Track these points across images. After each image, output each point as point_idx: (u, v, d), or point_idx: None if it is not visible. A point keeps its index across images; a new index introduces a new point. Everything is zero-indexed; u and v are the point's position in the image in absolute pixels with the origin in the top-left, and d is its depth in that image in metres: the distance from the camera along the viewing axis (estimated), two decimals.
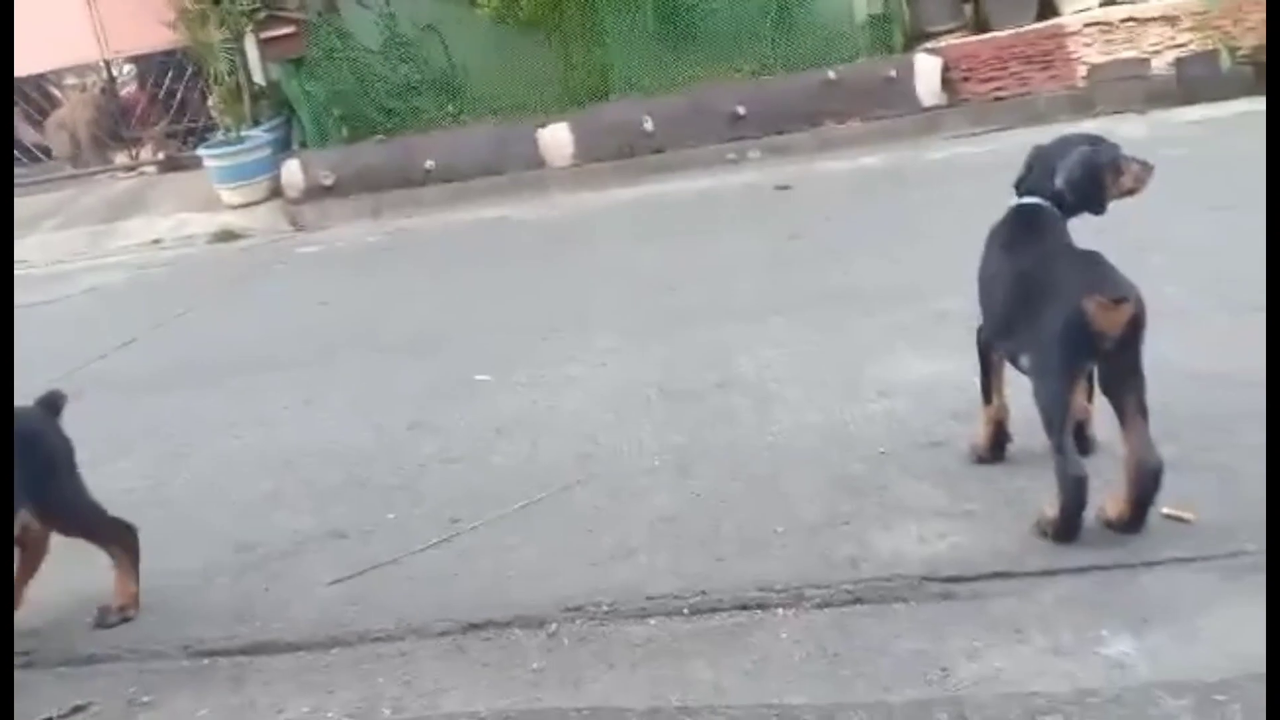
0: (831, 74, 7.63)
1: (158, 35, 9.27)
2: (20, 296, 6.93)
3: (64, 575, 2.52)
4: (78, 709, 2.14)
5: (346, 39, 8.40)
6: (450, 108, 8.55)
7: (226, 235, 8.03)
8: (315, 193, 8.45)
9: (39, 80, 10.55)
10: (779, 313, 3.97)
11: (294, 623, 2.31)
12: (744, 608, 2.11)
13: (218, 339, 5.10)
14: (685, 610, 2.14)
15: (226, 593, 2.50)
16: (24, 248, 8.52)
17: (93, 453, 3.52)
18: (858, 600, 2.08)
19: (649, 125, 8.04)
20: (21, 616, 2.39)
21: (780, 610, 2.09)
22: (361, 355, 4.36)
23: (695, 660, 1.98)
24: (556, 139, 8.25)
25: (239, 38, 8.42)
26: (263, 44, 8.27)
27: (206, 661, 2.23)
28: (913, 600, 2.06)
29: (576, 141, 8.23)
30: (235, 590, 2.51)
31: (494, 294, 5.14)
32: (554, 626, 2.14)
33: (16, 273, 7.89)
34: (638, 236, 5.93)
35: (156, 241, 8.23)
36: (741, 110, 7.74)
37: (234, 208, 8.52)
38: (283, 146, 8.83)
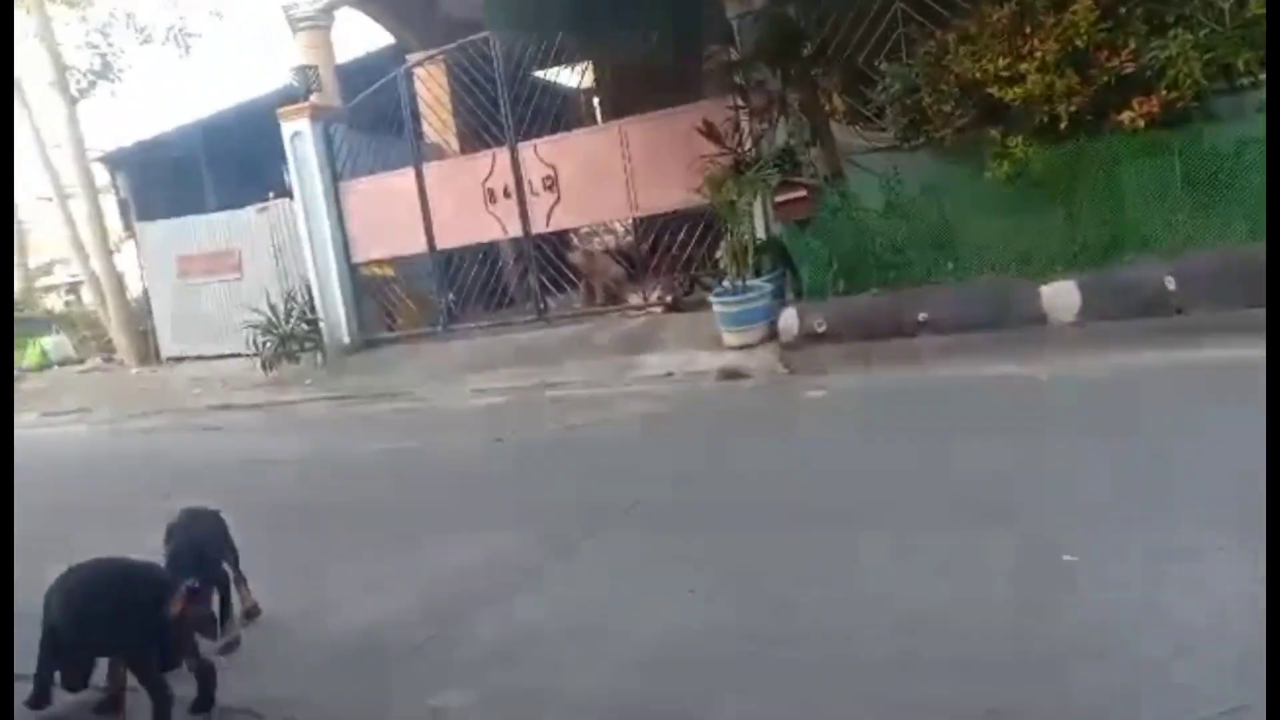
0: None
1: (675, 198, 10.68)
2: (570, 417, 8.16)
3: None
4: None
5: (850, 201, 9.00)
6: (947, 265, 8.74)
7: (732, 374, 8.79)
8: (808, 339, 9.01)
9: (568, 233, 12.61)
10: None
11: None
12: None
13: (764, 481, 5.53)
14: None
15: None
16: (562, 372, 10.02)
17: (695, 582, 3.99)
18: None
19: (1171, 284, 7.59)
20: None
21: None
22: (919, 516, 4.48)
23: None
24: (1062, 295, 8.08)
25: (753, 201, 9.41)
26: (776, 206, 9.13)
27: None
28: None
29: (1084, 299, 7.99)
30: None
31: (1040, 461, 5.05)
32: None
33: (561, 393, 9.29)
34: (1182, 406, 5.54)
35: (669, 374, 9.23)
36: None
37: (735, 349, 9.36)
38: (779, 295, 9.60)
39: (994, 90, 8.24)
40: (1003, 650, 3.15)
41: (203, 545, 4.04)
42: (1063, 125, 8.15)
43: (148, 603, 3.27)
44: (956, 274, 8.68)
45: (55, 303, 22.93)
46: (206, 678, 3.43)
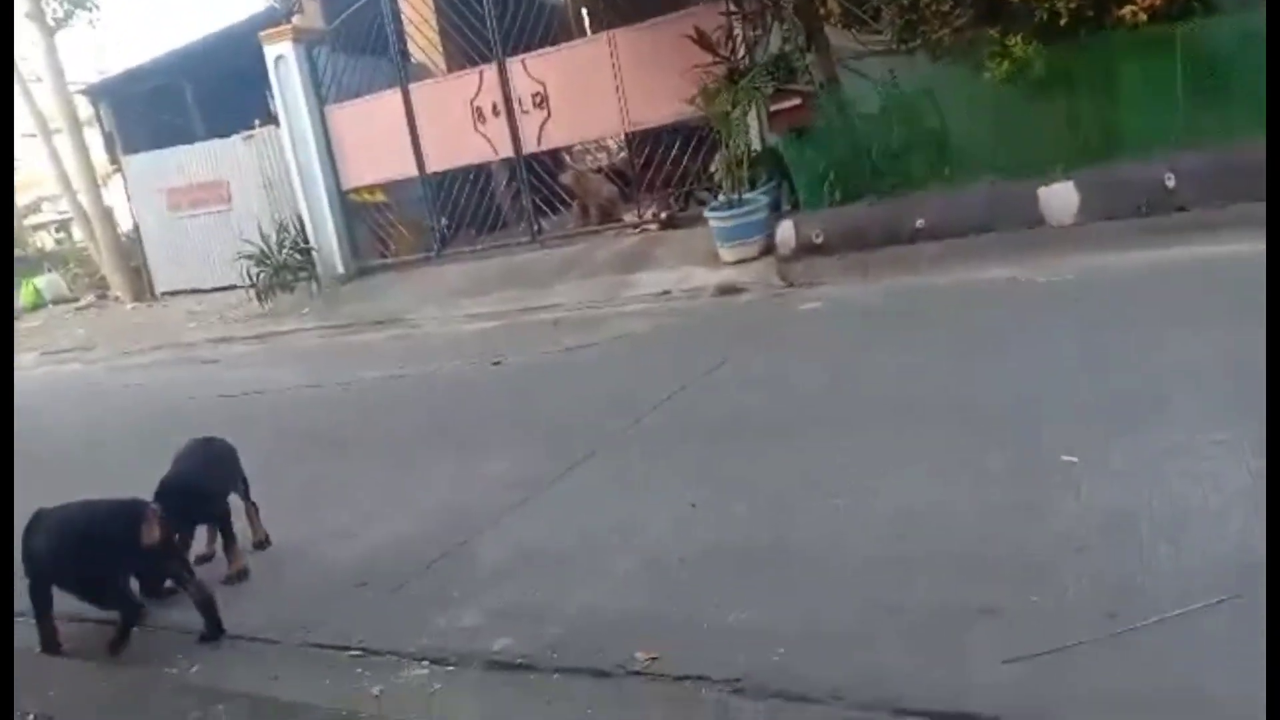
0: None
1: (668, 111, 10.47)
2: (566, 338, 8.16)
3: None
4: None
5: (846, 107, 8.82)
6: (944, 169, 8.61)
7: (729, 289, 8.74)
8: (805, 251, 8.94)
9: (560, 152, 12.40)
10: None
11: (987, 699, 2.44)
12: None
13: (763, 392, 5.54)
14: None
15: (899, 654, 2.71)
16: (557, 294, 9.97)
17: (696, 495, 4.04)
18: None
19: (1171, 182, 7.49)
20: None
21: None
22: (917, 420, 4.51)
23: None
24: (1060, 197, 7.98)
25: (747, 111, 9.22)
26: (771, 116, 8.95)
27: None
28: None
29: (1083, 199, 7.89)
30: (908, 652, 2.71)
31: (1033, 363, 5.06)
32: None
33: (557, 315, 9.27)
34: (1181, 302, 5.52)
35: (665, 293, 9.16)
36: None
37: (731, 264, 9.28)
38: (775, 208, 9.49)
39: None
40: (999, 550, 3.20)
41: (198, 473, 4.06)
42: (1063, 22, 7.92)
43: (117, 534, 3.34)
44: (954, 179, 8.56)
45: (45, 240, 22.71)
46: (208, 608, 3.49)
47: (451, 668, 3.10)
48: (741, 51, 9.64)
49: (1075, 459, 3.77)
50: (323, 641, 3.40)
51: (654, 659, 2.90)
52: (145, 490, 3.75)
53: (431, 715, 2.71)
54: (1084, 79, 8.04)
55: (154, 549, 3.39)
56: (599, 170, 12.48)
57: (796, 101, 8.74)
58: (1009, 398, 4.60)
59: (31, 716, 2.78)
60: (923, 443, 4.23)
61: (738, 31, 9.71)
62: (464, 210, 12.65)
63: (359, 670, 3.18)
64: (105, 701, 2.72)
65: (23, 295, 17.87)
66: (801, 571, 3.30)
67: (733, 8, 9.71)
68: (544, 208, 12.07)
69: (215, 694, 2.73)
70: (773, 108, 8.89)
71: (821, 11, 9.07)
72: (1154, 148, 7.83)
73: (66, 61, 16.77)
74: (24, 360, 13.52)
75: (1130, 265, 6.76)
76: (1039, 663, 2.55)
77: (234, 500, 4.27)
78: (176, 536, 3.65)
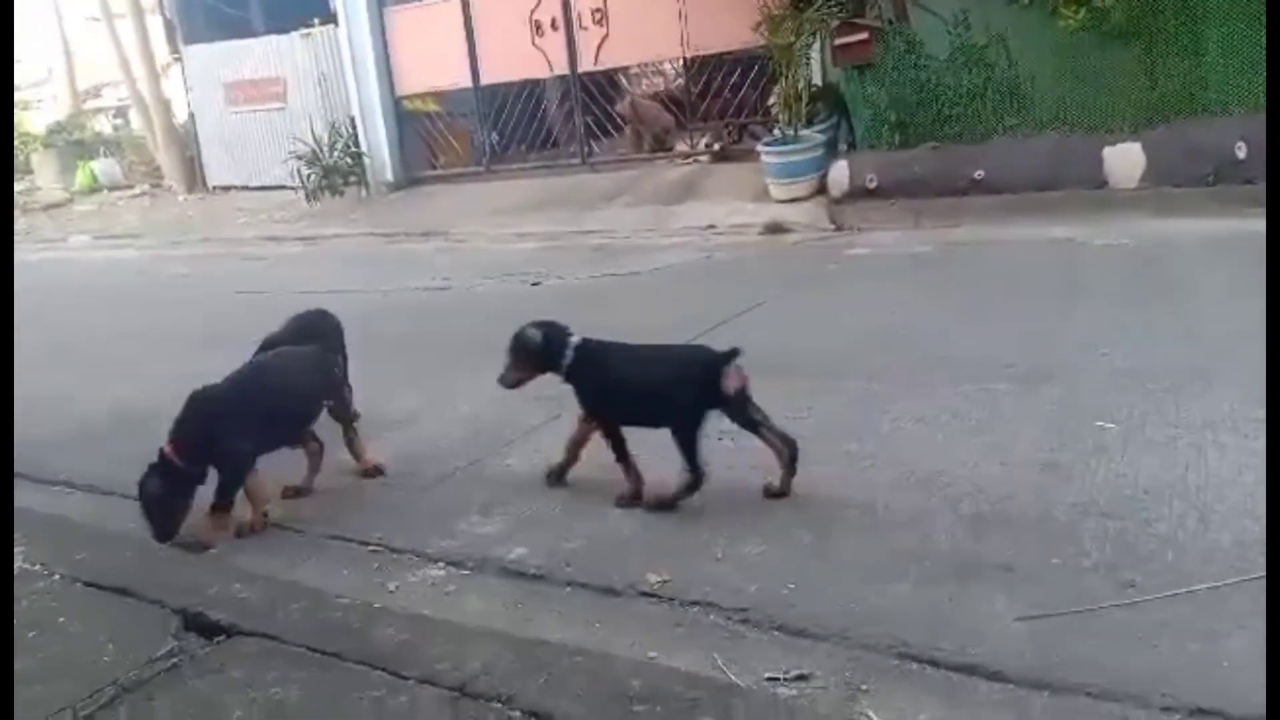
0: None
1: (729, 37, 10.22)
2: (607, 265, 8.13)
3: None
4: (801, 677, 2.46)
5: (914, 47, 8.54)
6: (1010, 119, 8.35)
7: (775, 228, 8.62)
8: (858, 194, 8.79)
9: (619, 71, 12.16)
10: None
11: (993, 652, 2.44)
12: None
13: (798, 335, 5.49)
14: None
15: (910, 601, 2.71)
16: (602, 219, 9.92)
17: (722, 428, 4.03)
18: None
19: (1242, 152, 7.20)
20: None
21: None
22: (953, 375, 4.45)
23: None
24: (1125, 158, 7.73)
25: (811, 43, 8.96)
26: (836, 49, 8.70)
27: (916, 667, 2.44)
28: None
29: (1149, 163, 7.64)
30: (919, 600, 2.71)
31: (1080, 326, 4.97)
32: None
33: (600, 240, 9.22)
34: (1239, 277, 5.35)
35: (711, 226, 9.07)
36: None
37: (781, 202, 9.14)
38: (830, 147, 9.28)
39: None
40: (1023, 509, 3.17)
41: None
42: None
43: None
44: (1018, 130, 8.30)
45: (103, 126, 22.88)
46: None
47: (467, 572, 3.16)
48: None
49: (1111, 425, 3.72)
50: (345, 534, 3.47)
51: (665, 581, 2.93)
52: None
53: (443, 615, 2.77)
54: (1162, 33, 7.69)
55: None
56: (654, 96, 12.25)
57: (863, 36, 8.48)
58: (1052, 359, 4.52)
59: (57, 576, 2.88)
60: (957, 397, 4.17)
61: None
62: (515, 126, 12.54)
63: (376, 565, 3.25)
64: (134, 570, 2.80)
65: (79, 178, 18.10)
66: (819, 513, 3.29)
67: None
68: (595, 130, 11.91)
69: (235, 573, 2.80)
70: (837, 41, 8.64)
71: None
72: (1229, 113, 7.52)
73: None
74: (78, 242, 13.78)
75: (1192, 234, 6.57)
76: (1051, 623, 2.54)
77: None
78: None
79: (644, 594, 2.90)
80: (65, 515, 3.72)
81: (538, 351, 3.53)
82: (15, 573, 2.87)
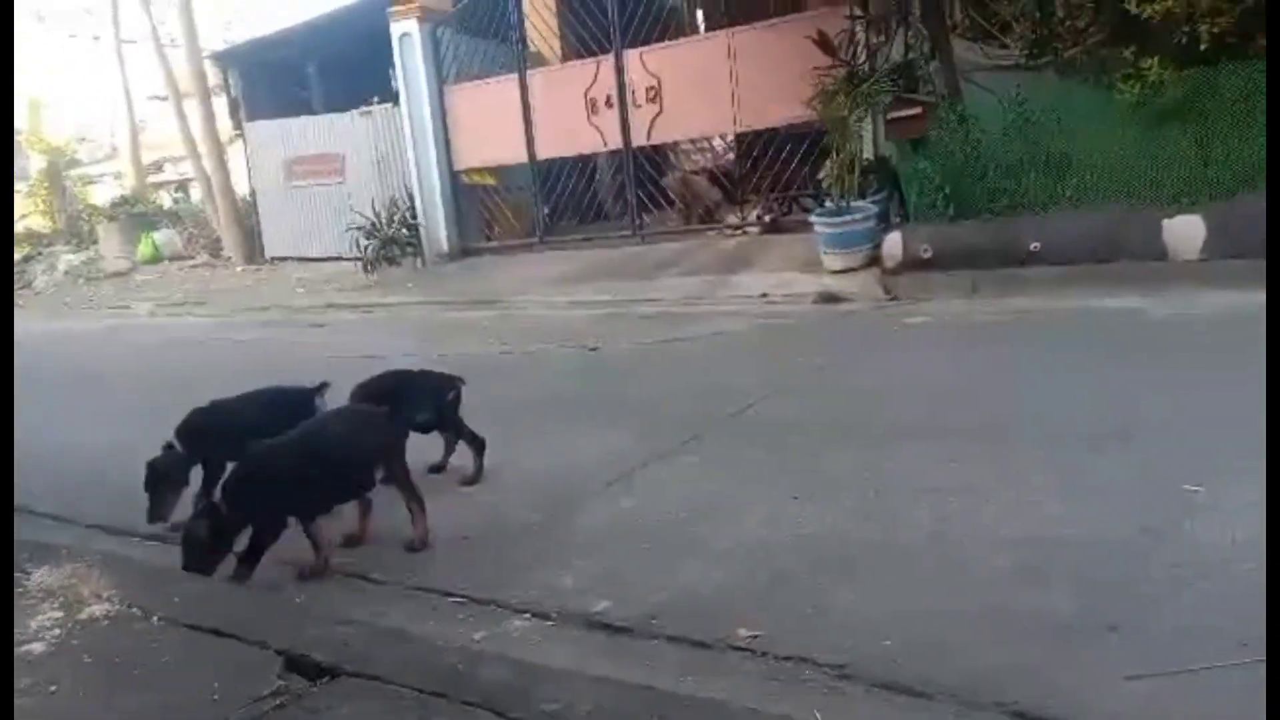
0: None
1: (779, 113, 10.44)
2: (664, 331, 8.20)
3: None
4: None
5: (967, 121, 8.66)
6: (1064, 192, 8.40)
7: (829, 298, 8.67)
8: (912, 265, 8.81)
9: (665, 150, 12.44)
10: None
11: (1107, 712, 2.38)
12: None
13: (863, 398, 5.49)
14: None
15: (1013, 659, 2.65)
16: (656, 288, 10.03)
17: (798, 489, 4.01)
18: None
19: None
20: None
21: None
22: (1032, 436, 4.41)
23: None
24: (1185, 230, 7.71)
25: (864, 117, 9.13)
26: (889, 124, 8.85)
27: None
28: None
29: (1209, 234, 7.62)
30: (1022, 658, 2.65)
31: (1157, 392, 4.90)
32: None
33: (655, 309, 9.32)
34: None
35: (764, 295, 9.14)
36: None
37: (834, 272, 9.21)
38: (883, 219, 9.37)
39: (1130, 6, 7.75)
40: (1122, 571, 3.10)
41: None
42: (1203, 47, 7.64)
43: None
44: (1074, 202, 8.34)
45: (164, 199, 23.71)
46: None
47: (551, 623, 3.15)
48: (862, 57, 9.55)
49: (1199, 488, 3.66)
50: (426, 585, 3.48)
51: (755, 636, 2.89)
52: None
53: (535, 663, 2.75)
54: (1219, 109, 7.75)
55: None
56: (701, 170, 12.50)
57: (916, 111, 8.63)
58: (1130, 424, 4.46)
59: (155, 619, 2.91)
60: (1039, 461, 4.13)
61: (860, 36, 9.62)
62: (567, 199, 12.82)
63: (460, 616, 3.25)
64: (230, 613, 2.83)
65: (142, 249, 18.70)
66: (911, 571, 3.26)
67: (858, 12, 9.62)
68: (646, 202, 12.15)
69: (334, 619, 2.82)
70: (891, 115, 8.79)
71: (949, 22, 8.94)
72: None
73: (201, 26, 17.52)
74: (140, 309, 14.17)
75: (1258, 305, 6.49)
76: (1163, 681, 2.48)
77: None
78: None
79: (735, 648, 2.86)
80: (152, 562, 3.77)
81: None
82: (115, 615, 2.91)
